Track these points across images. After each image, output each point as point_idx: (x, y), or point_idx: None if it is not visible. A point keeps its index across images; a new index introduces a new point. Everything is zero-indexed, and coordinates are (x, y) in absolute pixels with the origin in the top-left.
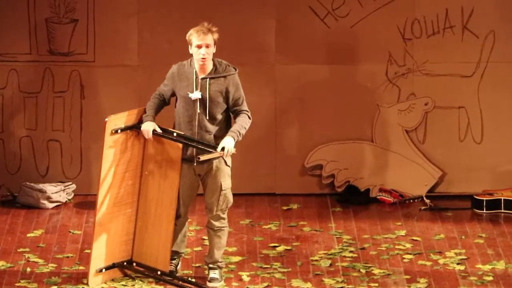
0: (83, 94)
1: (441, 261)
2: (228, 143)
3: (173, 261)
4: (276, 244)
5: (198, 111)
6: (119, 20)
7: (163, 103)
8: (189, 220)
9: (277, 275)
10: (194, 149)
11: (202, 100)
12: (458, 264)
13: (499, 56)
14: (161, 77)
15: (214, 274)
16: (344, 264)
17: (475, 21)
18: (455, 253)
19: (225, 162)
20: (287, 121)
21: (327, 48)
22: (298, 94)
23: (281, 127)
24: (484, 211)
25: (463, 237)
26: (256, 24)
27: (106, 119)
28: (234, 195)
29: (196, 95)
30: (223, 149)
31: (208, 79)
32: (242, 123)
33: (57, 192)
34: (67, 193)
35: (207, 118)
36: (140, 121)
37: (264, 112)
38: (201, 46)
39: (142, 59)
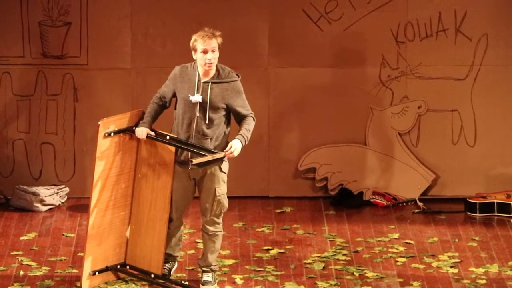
0: (76, 97)
1: (434, 264)
2: (236, 144)
3: (166, 264)
4: (270, 247)
5: (197, 114)
6: (112, 23)
7: (163, 107)
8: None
9: (270, 278)
10: (189, 153)
11: (202, 104)
12: (451, 267)
13: (492, 59)
14: (155, 80)
15: (207, 277)
16: (338, 267)
17: (468, 24)
18: (449, 256)
19: (220, 168)
20: (281, 124)
21: (320, 51)
22: (291, 97)
23: (274, 130)
24: (478, 214)
25: (456, 240)
26: (250, 27)
27: (99, 122)
28: (227, 198)
29: (196, 98)
30: (230, 147)
31: (210, 83)
32: (248, 127)
33: (51, 195)
34: (60, 196)
35: (206, 122)
36: (135, 125)
37: (257, 114)
38: (207, 51)
39: (135, 62)
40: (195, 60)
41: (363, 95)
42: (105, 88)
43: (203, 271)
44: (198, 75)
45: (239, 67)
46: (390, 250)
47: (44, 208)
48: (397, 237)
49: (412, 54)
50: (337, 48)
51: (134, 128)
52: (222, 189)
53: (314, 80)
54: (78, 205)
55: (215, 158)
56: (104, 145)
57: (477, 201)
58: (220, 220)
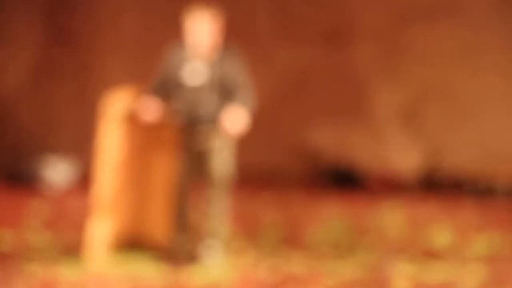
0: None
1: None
2: (236, 119)
3: (183, 244)
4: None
5: (201, 90)
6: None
7: (166, 85)
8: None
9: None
10: (196, 128)
11: (206, 80)
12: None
13: (490, 41)
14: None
15: (212, 251)
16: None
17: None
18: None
19: (227, 142)
20: (280, 100)
21: (322, 27)
22: (293, 73)
23: (274, 106)
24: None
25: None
26: (250, 3)
27: (105, 101)
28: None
29: (199, 74)
30: (229, 124)
31: (212, 60)
32: (245, 101)
33: (60, 172)
34: (69, 173)
35: (212, 101)
36: (143, 103)
37: (258, 91)
38: (200, 30)
39: (138, 38)
40: (190, 38)
41: (364, 71)
42: (115, 64)
43: (208, 245)
44: (198, 52)
45: (239, 45)
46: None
47: (54, 184)
48: (395, 214)
49: (413, 31)
50: (338, 24)
51: (140, 108)
52: (229, 161)
53: (315, 56)
54: (86, 182)
55: (215, 135)
56: (111, 124)
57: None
58: (226, 193)
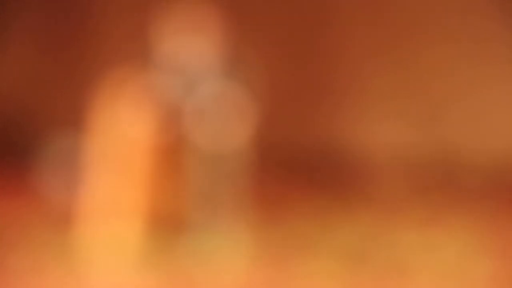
0: None
1: None
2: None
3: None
4: None
5: (199, 112)
6: None
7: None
8: None
9: None
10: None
11: (204, 99)
12: None
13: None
14: None
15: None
16: None
17: None
18: None
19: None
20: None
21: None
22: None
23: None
24: None
25: None
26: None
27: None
28: None
29: (195, 92)
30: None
31: (212, 74)
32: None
33: (57, 150)
34: (66, 151)
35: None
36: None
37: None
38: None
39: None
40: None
41: (355, 69)
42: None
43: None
44: (189, 68)
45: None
46: None
47: (61, 188)
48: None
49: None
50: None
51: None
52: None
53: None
54: (84, 161)
55: None
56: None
57: None
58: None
